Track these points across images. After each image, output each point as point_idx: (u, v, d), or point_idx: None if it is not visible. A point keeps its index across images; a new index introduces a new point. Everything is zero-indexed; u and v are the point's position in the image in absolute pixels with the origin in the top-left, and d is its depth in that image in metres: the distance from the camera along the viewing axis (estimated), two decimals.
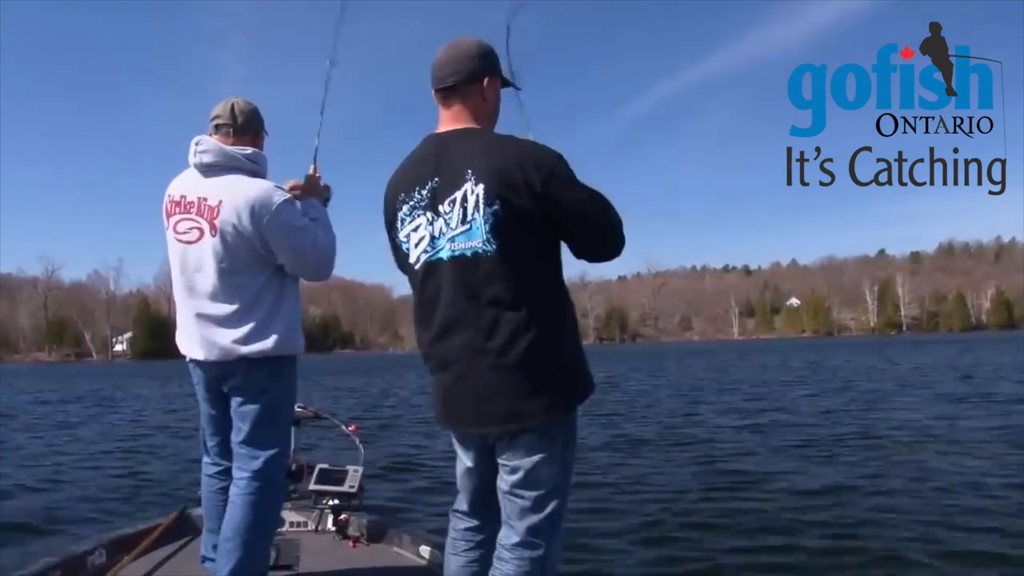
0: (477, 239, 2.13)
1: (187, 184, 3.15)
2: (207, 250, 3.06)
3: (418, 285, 2.29)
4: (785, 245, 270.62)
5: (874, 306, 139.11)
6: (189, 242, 3.10)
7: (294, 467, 4.23)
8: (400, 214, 2.31)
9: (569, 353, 2.23)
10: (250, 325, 3.07)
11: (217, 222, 3.02)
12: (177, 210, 3.14)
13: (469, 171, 2.14)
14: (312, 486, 4.17)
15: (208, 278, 3.08)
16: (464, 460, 2.42)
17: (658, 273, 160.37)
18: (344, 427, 4.78)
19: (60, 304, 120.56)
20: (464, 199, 2.14)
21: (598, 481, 7.39)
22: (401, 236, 2.32)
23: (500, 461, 2.25)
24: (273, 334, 3.09)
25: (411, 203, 2.28)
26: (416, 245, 2.27)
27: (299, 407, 4.19)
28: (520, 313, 2.12)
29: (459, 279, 2.17)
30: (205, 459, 3.41)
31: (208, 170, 3.10)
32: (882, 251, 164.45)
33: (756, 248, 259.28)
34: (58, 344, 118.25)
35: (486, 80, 2.31)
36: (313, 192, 3.42)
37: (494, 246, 2.12)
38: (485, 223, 2.11)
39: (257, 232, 3.01)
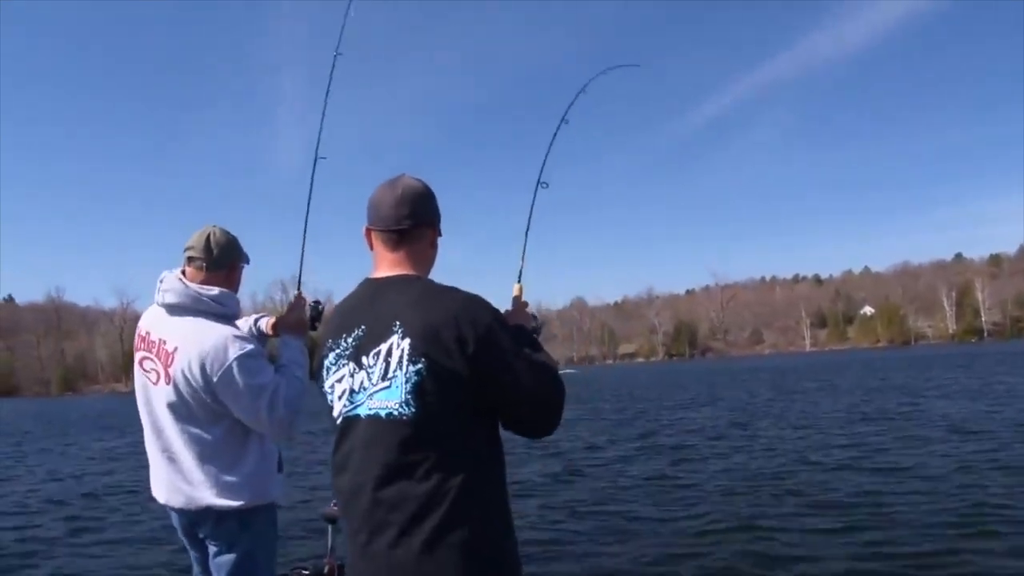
0: (395, 399, 1.92)
1: (153, 321, 3.05)
2: (163, 396, 2.95)
3: (336, 440, 2.08)
4: (857, 252, 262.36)
5: (952, 312, 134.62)
6: (153, 382, 2.98)
7: (326, 569, 4.13)
8: (326, 362, 2.11)
9: (490, 536, 1.95)
10: (211, 477, 2.94)
11: (171, 370, 2.89)
12: (142, 346, 3.03)
13: (398, 323, 1.95)
14: None
15: (169, 423, 2.97)
16: None
17: (726, 285, 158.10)
18: None
19: None
20: (388, 353, 1.95)
21: None
22: (326, 386, 2.11)
23: None
24: (238, 486, 2.96)
25: (337, 351, 2.08)
26: (339, 398, 2.05)
27: (335, 504, 4.18)
28: (429, 486, 1.89)
29: (372, 441, 1.95)
30: None
31: (172, 310, 2.98)
32: (959, 255, 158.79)
33: (827, 256, 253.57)
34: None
35: (436, 227, 2.20)
36: (292, 327, 3.26)
37: (412, 409, 1.90)
38: (406, 382, 1.91)
39: (208, 386, 2.85)
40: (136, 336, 3.10)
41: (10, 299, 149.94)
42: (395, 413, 1.92)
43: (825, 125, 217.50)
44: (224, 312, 3.02)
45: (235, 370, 2.83)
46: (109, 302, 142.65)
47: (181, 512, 3.05)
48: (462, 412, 1.94)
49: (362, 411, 1.99)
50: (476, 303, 1.99)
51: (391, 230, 2.10)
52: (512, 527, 2.05)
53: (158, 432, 3.01)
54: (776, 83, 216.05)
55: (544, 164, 3.04)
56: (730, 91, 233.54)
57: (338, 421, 2.07)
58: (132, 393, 3.22)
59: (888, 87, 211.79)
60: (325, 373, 2.12)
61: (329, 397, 2.10)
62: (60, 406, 63.83)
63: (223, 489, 2.95)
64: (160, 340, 2.96)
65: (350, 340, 2.05)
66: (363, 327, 2.03)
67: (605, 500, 9.26)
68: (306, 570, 4.19)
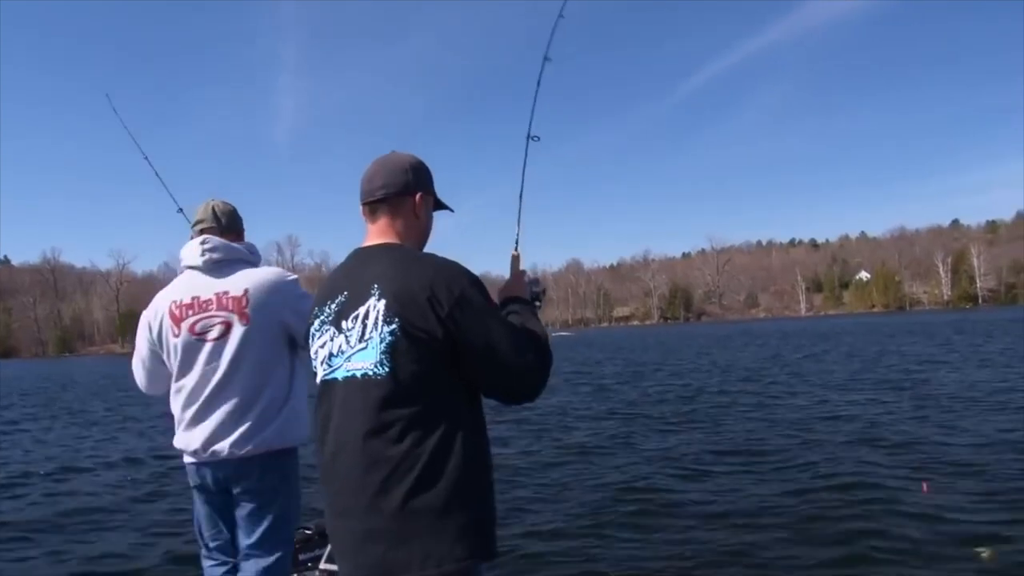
0: (370, 359, 1.96)
1: (194, 285, 3.19)
2: (234, 342, 3.10)
3: (315, 403, 2.15)
4: (854, 217, 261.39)
5: (947, 279, 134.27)
6: (214, 339, 3.12)
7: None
8: (312, 328, 2.19)
9: (465, 500, 1.95)
10: (249, 421, 3.09)
11: (248, 310, 3.10)
12: (190, 312, 3.15)
13: (376, 286, 2.00)
14: (323, 564, 4.05)
15: (223, 372, 3.11)
16: None
17: (722, 249, 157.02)
18: None
19: (133, 296, 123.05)
20: (366, 315, 2.00)
21: None
22: (311, 351, 2.18)
23: None
24: (270, 429, 3.11)
25: (321, 317, 2.15)
26: (321, 363, 2.12)
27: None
28: (404, 447, 1.91)
29: (348, 402, 2.00)
30: (203, 552, 3.34)
31: (219, 265, 3.20)
32: (956, 221, 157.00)
33: (823, 221, 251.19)
34: (130, 335, 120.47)
35: (418, 196, 2.21)
36: None
37: (386, 369, 1.94)
38: (381, 342, 1.95)
39: (280, 313, 3.13)
40: (168, 314, 3.18)
41: (6, 261, 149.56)
42: (370, 373, 1.96)
43: (824, 92, 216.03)
44: (257, 262, 3.35)
45: (296, 287, 3.23)
46: (105, 264, 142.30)
47: (208, 463, 3.15)
48: (438, 374, 1.96)
49: (339, 374, 2.04)
50: (453, 268, 2.04)
51: (366, 202, 2.20)
52: (491, 492, 2.07)
53: (201, 387, 3.13)
54: (775, 49, 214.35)
55: (532, 113, 2.81)
56: (729, 57, 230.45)
57: (318, 384, 2.14)
58: (129, 354, 3.31)
59: (887, 55, 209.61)
60: (310, 340, 2.19)
61: (313, 363, 2.17)
62: (57, 367, 63.79)
63: (255, 432, 3.10)
64: (218, 294, 3.14)
65: (333, 306, 2.11)
66: (345, 293, 2.09)
67: (598, 473, 9.28)
68: (308, 530, 4.24)
